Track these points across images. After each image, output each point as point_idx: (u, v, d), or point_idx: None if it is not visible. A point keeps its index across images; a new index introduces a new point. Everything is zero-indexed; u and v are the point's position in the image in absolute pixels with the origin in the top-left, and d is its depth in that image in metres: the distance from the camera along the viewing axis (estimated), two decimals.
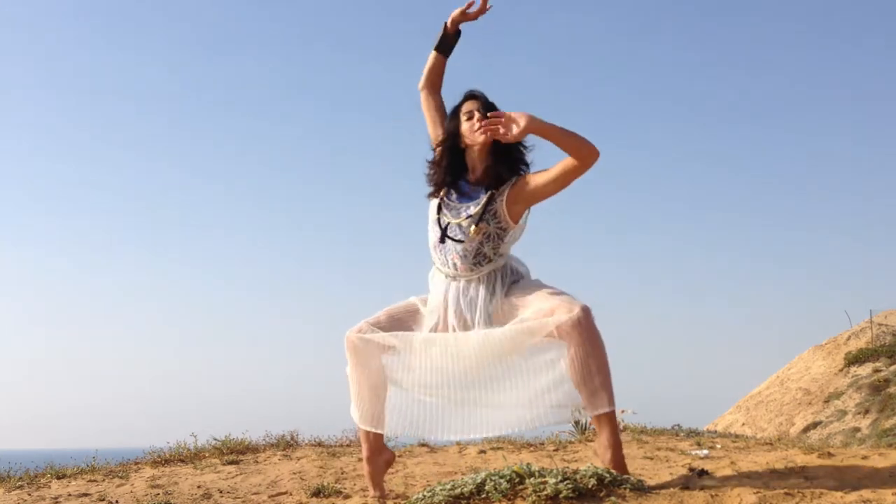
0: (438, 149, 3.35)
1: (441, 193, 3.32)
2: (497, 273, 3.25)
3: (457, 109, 3.31)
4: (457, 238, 3.22)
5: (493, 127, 3.07)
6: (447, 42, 3.47)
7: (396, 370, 3.31)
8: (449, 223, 3.25)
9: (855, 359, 20.36)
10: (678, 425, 6.29)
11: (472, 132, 3.22)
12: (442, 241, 3.24)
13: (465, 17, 3.46)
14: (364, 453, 3.41)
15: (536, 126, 3.05)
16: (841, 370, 20.47)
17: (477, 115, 3.22)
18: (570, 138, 3.04)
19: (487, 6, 3.43)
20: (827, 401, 19.15)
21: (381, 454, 3.39)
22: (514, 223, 3.23)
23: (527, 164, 3.25)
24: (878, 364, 19.44)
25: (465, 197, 3.28)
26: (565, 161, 3.09)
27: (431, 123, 3.46)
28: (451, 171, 3.30)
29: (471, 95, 3.31)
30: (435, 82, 3.50)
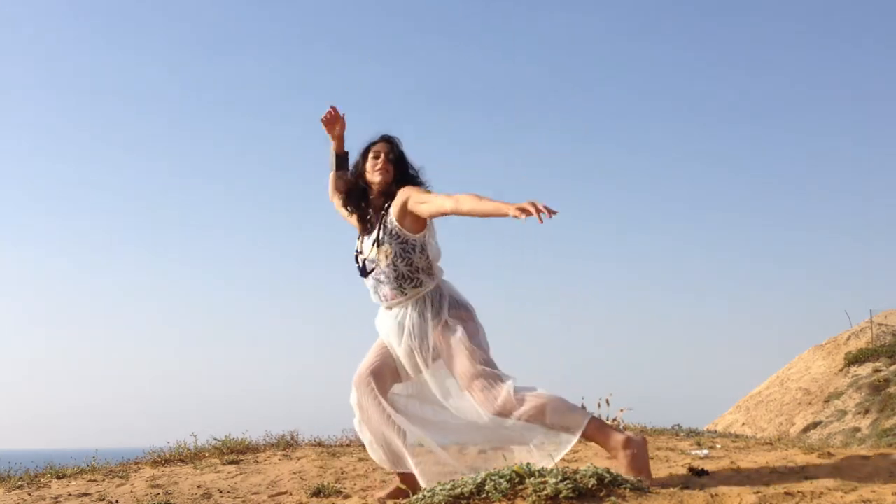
0: (344, 191, 3.54)
1: (359, 234, 3.50)
2: (427, 298, 3.33)
3: (367, 149, 3.49)
4: (371, 268, 3.36)
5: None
6: (339, 162, 3.73)
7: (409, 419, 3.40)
8: (365, 258, 3.39)
9: (855, 359, 20.35)
10: (678, 425, 6.29)
11: (374, 170, 3.42)
12: (363, 275, 3.40)
13: (333, 133, 3.71)
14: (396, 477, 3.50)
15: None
16: (841, 370, 20.46)
17: (382, 156, 3.42)
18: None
19: (337, 114, 3.68)
20: (827, 401, 19.15)
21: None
22: (413, 233, 3.31)
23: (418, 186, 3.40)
24: (878, 364, 19.43)
25: (370, 229, 3.43)
26: (445, 206, 3.16)
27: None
28: (355, 204, 3.48)
29: (385, 139, 3.49)
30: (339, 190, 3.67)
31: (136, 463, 5.02)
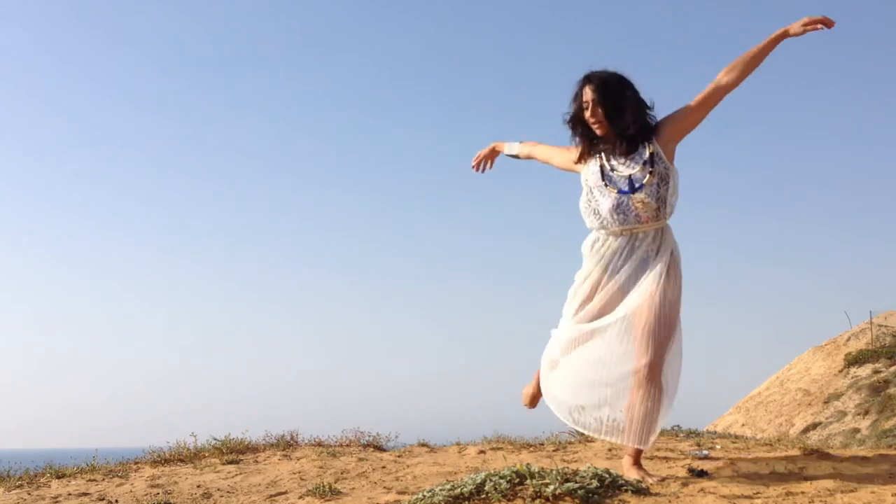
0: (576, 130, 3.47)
1: (597, 162, 3.40)
2: (661, 232, 3.35)
3: (577, 95, 3.40)
4: (637, 187, 3.30)
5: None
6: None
7: None
8: (624, 176, 3.32)
9: (855, 360, 20.35)
10: (678, 426, 6.28)
11: (592, 123, 3.35)
12: (630, 190, 3.31)
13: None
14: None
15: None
16: (841, 371, 20.47)
17: (590, 107, 3.33)
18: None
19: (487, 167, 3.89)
20: (827, 402, 19.16)
21: None
22: (671, 162, 3.34)
23: (650, 108, 3.39)
24: (877, 365, 19.43)
25: (623, 157, 3.36)
26: (717, 85, 3.32)
27: (556, 154, 3.63)
28: (589, 141, 3.42)
29: (587, 80, 3.38)
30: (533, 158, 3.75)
31: (136, 463, 5.02)
